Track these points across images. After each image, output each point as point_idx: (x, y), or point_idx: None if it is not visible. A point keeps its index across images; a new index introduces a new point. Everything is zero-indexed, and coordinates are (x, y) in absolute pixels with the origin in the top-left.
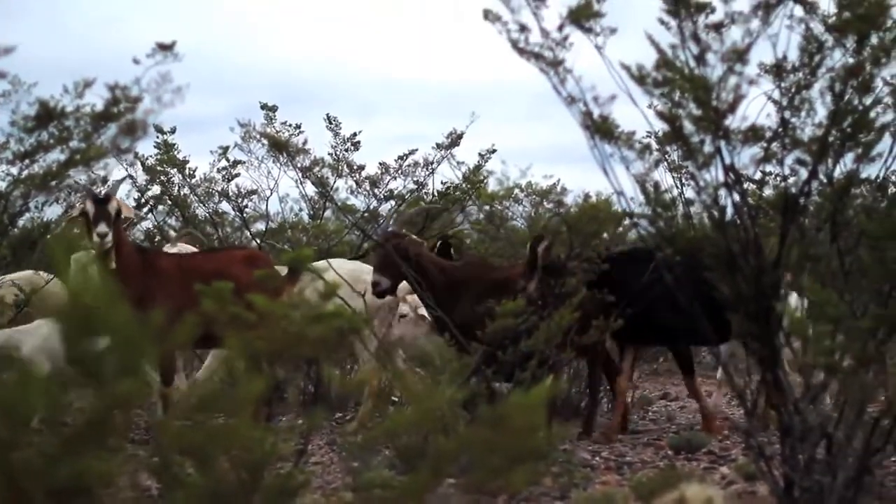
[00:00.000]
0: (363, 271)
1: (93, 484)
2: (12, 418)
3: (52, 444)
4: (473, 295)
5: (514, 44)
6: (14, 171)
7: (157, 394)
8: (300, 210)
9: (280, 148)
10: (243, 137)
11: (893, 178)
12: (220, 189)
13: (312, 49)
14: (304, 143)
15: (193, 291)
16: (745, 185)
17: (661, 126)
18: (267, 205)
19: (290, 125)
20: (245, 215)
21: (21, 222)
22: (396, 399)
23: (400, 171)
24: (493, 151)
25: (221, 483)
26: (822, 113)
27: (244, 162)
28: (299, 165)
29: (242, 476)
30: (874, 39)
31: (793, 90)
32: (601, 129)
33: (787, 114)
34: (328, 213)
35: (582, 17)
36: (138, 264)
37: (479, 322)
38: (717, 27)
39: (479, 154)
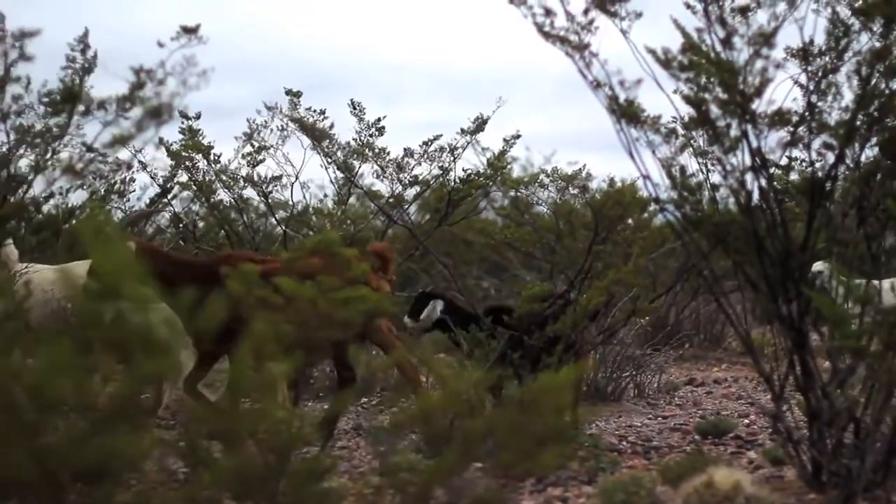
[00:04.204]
0: None
1: (120, 466)
2: (40, 402)
3: (79, 426)
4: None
5: (540, 27)
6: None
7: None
8: (324, 196)
9: (307, 131)
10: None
11: None
12: (244, 175)
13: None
14: (331, 127)
15: None
16: (772, 170)
17: (686, 110)
18: (291, 190)
19: (314, 110)
20: (269, 201)
21: (46, 208)
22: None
23: (425, 156)
24: (518, 137)
25: (248, 466)
26: (848, 97)
27: (269, 148)
28: (325, 150)
29: (269, 459)
30: None
31: (819, 74)
32: (627, 112)
33: (813, 98)
34: (352, 199)
35: (607, 1)
36: None
37: None
38: (744, 10)
39: (504, 139)
